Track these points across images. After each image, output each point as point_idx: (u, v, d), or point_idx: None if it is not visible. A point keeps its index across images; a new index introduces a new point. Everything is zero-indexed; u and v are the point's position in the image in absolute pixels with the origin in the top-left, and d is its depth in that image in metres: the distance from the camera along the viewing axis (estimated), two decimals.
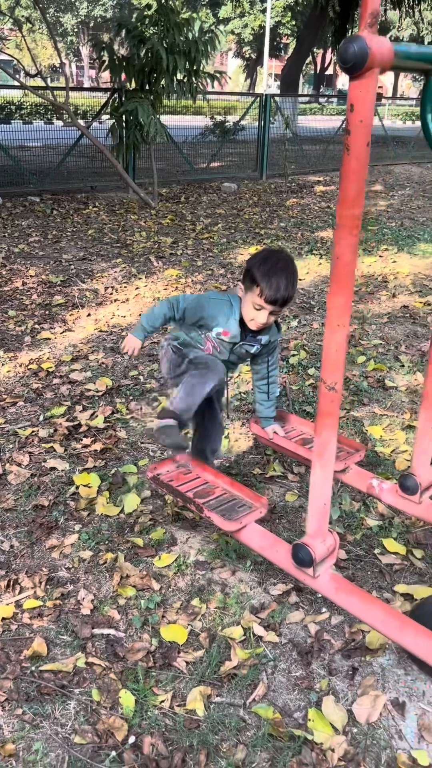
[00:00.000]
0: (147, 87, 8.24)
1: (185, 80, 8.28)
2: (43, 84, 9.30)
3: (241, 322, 2.22)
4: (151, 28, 7.95)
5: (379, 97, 22.86)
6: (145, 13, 8.18)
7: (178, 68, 7.96)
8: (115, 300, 5.03)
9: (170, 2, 8.15)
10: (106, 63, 8.18)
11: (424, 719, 1.74)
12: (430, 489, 2.24)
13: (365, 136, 1.45)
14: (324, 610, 2.11)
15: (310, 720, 1.75)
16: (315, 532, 1.84)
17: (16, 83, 8.73)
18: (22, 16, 36.69)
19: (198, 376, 2.21)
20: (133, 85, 8.33)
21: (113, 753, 1.66)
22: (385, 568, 2.29)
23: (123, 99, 8.47)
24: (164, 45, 7.75)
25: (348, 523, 2.52)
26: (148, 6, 8.31)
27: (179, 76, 8.32)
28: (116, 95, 8.70)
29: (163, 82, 8.23)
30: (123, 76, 8.26)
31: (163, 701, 1.80)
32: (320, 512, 1.81)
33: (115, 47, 8.47)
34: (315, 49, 35.26)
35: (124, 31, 8.10)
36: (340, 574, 1.97)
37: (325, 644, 1.98)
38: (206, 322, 2.23)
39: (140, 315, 2.25)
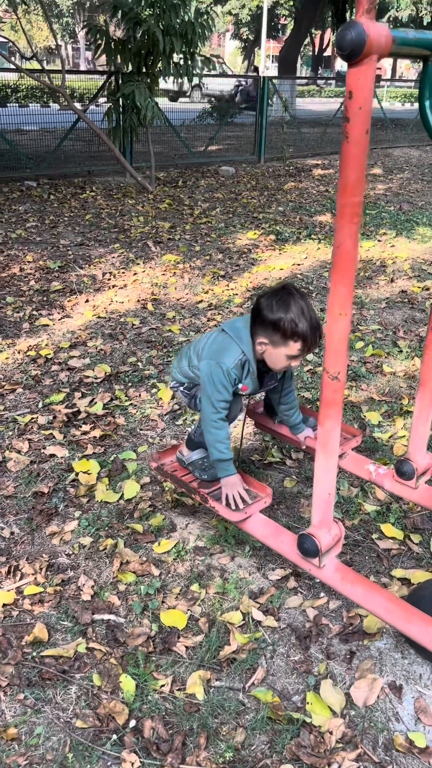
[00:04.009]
0: (144, 70, 8.16)
1: (182, 63, 8.21)
2: (38, 67, 9.21)
3: (259, 372, 2.18)
4: (147, 10, 7.85)
5: (378, 78, 22.67)
6: None
7: (174, 50, 7.88)
8: (113, 286, 5.02)
9: None
10: (102, 47, 8.10)
11: (421, 702, 1.77)
12: (427, 474, 2.25)
13: (364, 123, 1.45)
14: (322, 594, 2.13)
15: (308, 703, 1.77)
16: (320, 522, 1.84)
17: (12, 66, 8.62)
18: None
19: None
20: (130, 68, 8.25)
21: (114, 736, 1.68)
22: (383, 552, 2.31)
23: (120, 82, 8.40)
24: (160, 27, 7.67)
25: (346, 508, 2.54)
26: None
27: (176, 58, 8.25)
28: (113, 78, 8.62)
29: (159, 64, 8.16)
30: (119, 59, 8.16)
31: (163, 685, 1.82)
32: (325, 502, 1.82)
33: (111, 30, 8.38)
34: (313, 30, 34.86)
35: (120, 13, 8.00)
36: (344, 564, 1.98)
37: (323, 629, 2.00)
38: (234, 385, 2.14)
39: (214, 459, 2.14)
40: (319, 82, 40.37)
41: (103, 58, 8.23)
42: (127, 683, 1.82)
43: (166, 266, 5.48)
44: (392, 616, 1.74)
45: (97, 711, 1.75)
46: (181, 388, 2.33)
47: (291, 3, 39.24)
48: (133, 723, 1.72)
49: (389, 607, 1.75)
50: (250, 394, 2.26)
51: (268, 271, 5.42)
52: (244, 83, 21.46)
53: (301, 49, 26.83)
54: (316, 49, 41.85)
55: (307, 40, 36.44)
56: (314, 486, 1.79)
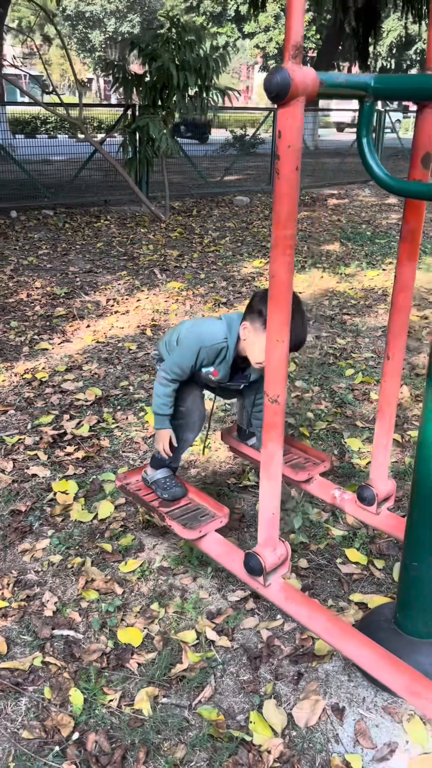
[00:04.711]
0: (159, 103, 8.40)
1: (196, 96, 8.43)
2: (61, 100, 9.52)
3: (233, 362, 2.22)
4: (163, 46, 8.11)
5: (405, 109, 22.90)
6: (158, 31, 8.36)
7: (188, 85, 8.11)
8: (116, 312, 5.14)
9: (182, 21, 8.34)
10: (119, 81, 8.37)
11: (362, 725, 1.78)
12: (389, 500, 2.28)
13: (294, 160, 1.52)
14: (279, 617, 2.16)
15: (251, 722, 1.80)
16: (265, 541, 1.89)
17: (39, 99, 8.92)
18: (42, 35, 37.52)
19: (179, 429, 2.33)
20: (146, 101, 8.50)
21: (57, 748, 1.73)
22: (345, 577, 2.34)
23: (136, 115, 8.65)
24: (175, 62, 7.91)
25: (314, 533, 2.57)
26: (161, 25, 8.48)
27: (191, 92, 8.48)
28: (129, 111, 8.88)
29: (174, 98, 8.39)
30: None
31: (111, 700, 1.87)
32: (269, 522, 1.87)
33: (130, 65, 8.67)
34: (342, 63, 35.43)
35: (136, 49, 8.28)
36: (291, 584, 2.02)
37: (274, 650, 2.03)
38: (200, 365, 2.22)
39: (151, 409, 2.29)
40: (347, 112, 40.74)
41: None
42: (76, 697, 1.86)
43: (170, 293, 5.59)
44: (331, 636, 1.78)
45: (45, 723, 1.80)
46: (161, 363, 2.36)
47: (318, 36, 39.97)
48: (76, 735, 1.77)
49: (328, 627, 1.79)
50: (218, 383, 2.28)
51: None
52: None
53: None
54: None
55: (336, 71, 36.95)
56: (259, 506, 1.84)
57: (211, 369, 2.23)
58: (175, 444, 2.30)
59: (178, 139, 12.60)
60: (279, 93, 1.45)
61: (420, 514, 1.76)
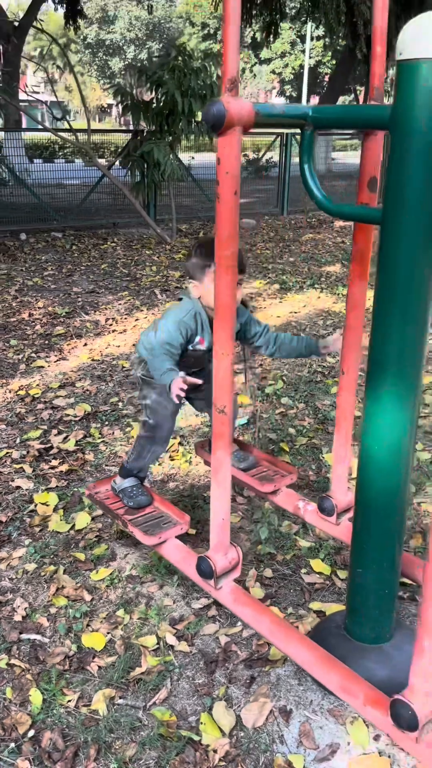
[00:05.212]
0: (165, 128, 8.61)
1: (202, 122, 8.63)
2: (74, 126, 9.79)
3: (210, 322, 2.23)
4: (169, 74, 8.33)
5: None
6: (166, 59, 8.60)
7: (194, 111, 8.32)
8: (114, 331, 5.27)
9: (189, 49, 8.59)
10: (128, 107, 8.62)
11: (306, 726, 1.84)
12: (349, 511, 2.35)
13: (233, 186, 1.63)
14: (238, 624, 2.22)
15: (202, 723, 1.86)
16: (216, 546, 1.97)
17: (50, 125, 9.21)
18: (56, 65, 38.41)
19: (147, 441, 2.40)
20: (153, 127, 8.72)
21: (13, 744, 1.80)
22: (307, 586, 2.40)
23: (144, 140, 8.87)
24: (181, 89, 8.13)
25: (281, 543, 2.64)
26: (168, 53, 8.72)
27: (198, 117, 8.69)
28: (137, 136, 9.10)
29: (180, 124, 8.60)
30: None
31: (69, 701, 1.94)
32: (219, 527, 1.95)
33: (139, 91, 8.92)
34: (358, 87, 35.82)
35: (144, 76, 8.53)
36: (241, 588, 2.08)
37: (231, 655, 2.10)
38: (188, 339, 2.25)
39: (154, 371, 2.23)
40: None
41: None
42: (36, 697, 1.94)
43: None
44: (274, 637, 1.85)
45: (3, 721, 1.88)
46: (141, 373, 2.37)
47: (333, 61, 40.57)
48: (32, 733, 1.84)
49: (272, 629, 1.85)
50: (209, 350, 2.26)
51: (265, 318, 5.60)
52: None
53: (338, 104, 27.56)
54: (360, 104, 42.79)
55: (352, 96, 37.44)
56: (210, 512, 1.92)
57: (197, 338, 2.26)
58: (190, 381, 2.12)
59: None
60: (215, 123, 1.56)
61: (362, 522, 1.83)
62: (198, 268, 2.22)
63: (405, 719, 1.54)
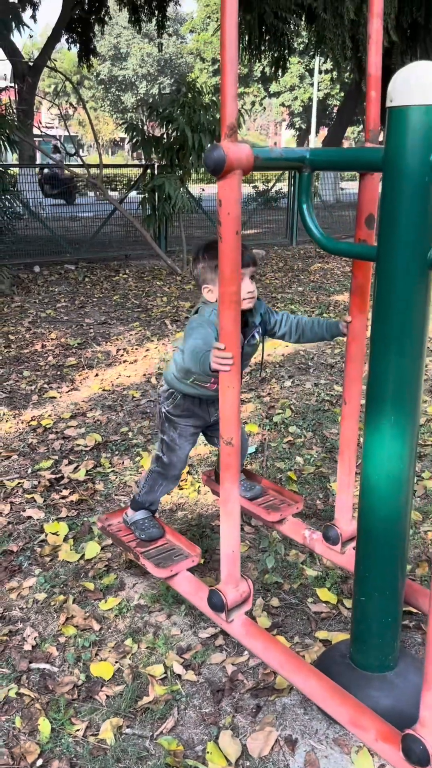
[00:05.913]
0: (176, 163, 8.81)
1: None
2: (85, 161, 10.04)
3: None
4: (179, 110, 8.55)
5: None
6: (174, 97, 8.84)
7: (203, 146, 8.50)
8: (125, 361, 5.35)
9: (198, 86, 8.82)
10: (139, 143, 8.83)
11: (311, 755, 1.85)
12: (353, 540, 2.37)
13: (234, 226, 1.70)
14: (245, 653, 2.24)
15: (208, 752, 1.88)
16: (227, 578, 2.00)
17: (73, 160, 9.46)
18: (68, 102, 39.35)
19: (159, 476, 2.46)
20: (164, 161, 8.93)
21: None
22: (313, 615, 2.42)
23: (155, 174, 9.08)
24: (191, 125, 8.33)
25: (288, 572, 2.66)
26: (178, 90, 8.96)
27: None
28: (149, 171, 9.32)
29: (191, 158, 8.80)
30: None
31: (78, 730, 1.96)
32: (230, 559, 1.98)
33: (150, 127, 9.15)
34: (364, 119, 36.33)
35: (155, 113, 8.76)
36: (252, 621, 2.11)
37: (237, 684, 2.11)
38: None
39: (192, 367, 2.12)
40: None
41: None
42: (44, 726, 1.97)
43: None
44: (285, 670, 1.86)
45: (12, 750, 1.90)
46: (165, 408, 2.35)
47: (342, 94, 41.28)
48: (40, 762, 1.86)
49: (282, 662, 1.87)
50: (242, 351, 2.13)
51: (273, 348, 5.67)
52: (48, 168, 16.14)
53: (349, 135, 27.96)
54: None
55: (361, 127, 37.99)
56: (221, 544, 1.95)
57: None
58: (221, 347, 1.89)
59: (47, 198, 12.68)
60: (215, 168, 1.63)
61: (364, 551, 1.86)
62: (209, 270, 2.18)
63: (416, 754, 1.54)
